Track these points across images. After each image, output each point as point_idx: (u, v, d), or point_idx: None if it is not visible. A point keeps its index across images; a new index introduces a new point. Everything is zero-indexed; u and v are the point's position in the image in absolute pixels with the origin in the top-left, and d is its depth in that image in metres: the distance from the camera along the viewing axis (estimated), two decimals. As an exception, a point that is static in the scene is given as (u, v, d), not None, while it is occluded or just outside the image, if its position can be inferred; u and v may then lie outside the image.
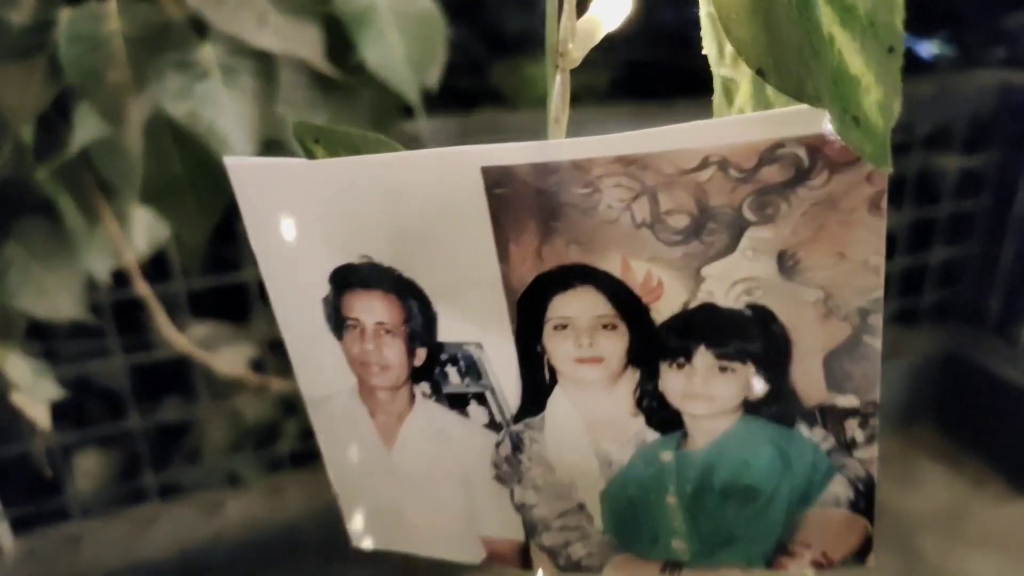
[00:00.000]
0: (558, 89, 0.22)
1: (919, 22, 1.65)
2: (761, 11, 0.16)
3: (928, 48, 1.68)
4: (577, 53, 0.22)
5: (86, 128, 0.49)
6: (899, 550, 1.06)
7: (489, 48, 1.34)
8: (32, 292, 0.62)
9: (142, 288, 0.64)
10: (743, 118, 0.20)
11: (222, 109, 0.46)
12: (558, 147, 0.21)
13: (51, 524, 0.87)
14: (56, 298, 0.63)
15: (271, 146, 0.52)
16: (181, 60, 0.46)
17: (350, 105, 0.55)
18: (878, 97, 0.15)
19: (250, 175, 0.24)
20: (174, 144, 0.52)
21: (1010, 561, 1.02)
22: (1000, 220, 1.26)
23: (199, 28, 0.48)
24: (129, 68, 0.45)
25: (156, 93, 0.46)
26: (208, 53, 0.47)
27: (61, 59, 0.45)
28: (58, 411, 0.69)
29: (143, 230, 0.69)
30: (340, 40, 0.52)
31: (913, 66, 1.62)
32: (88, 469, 0.90)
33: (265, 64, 0.48)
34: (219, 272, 0.86)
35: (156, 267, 0.78)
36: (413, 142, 0.79)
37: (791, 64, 0.16)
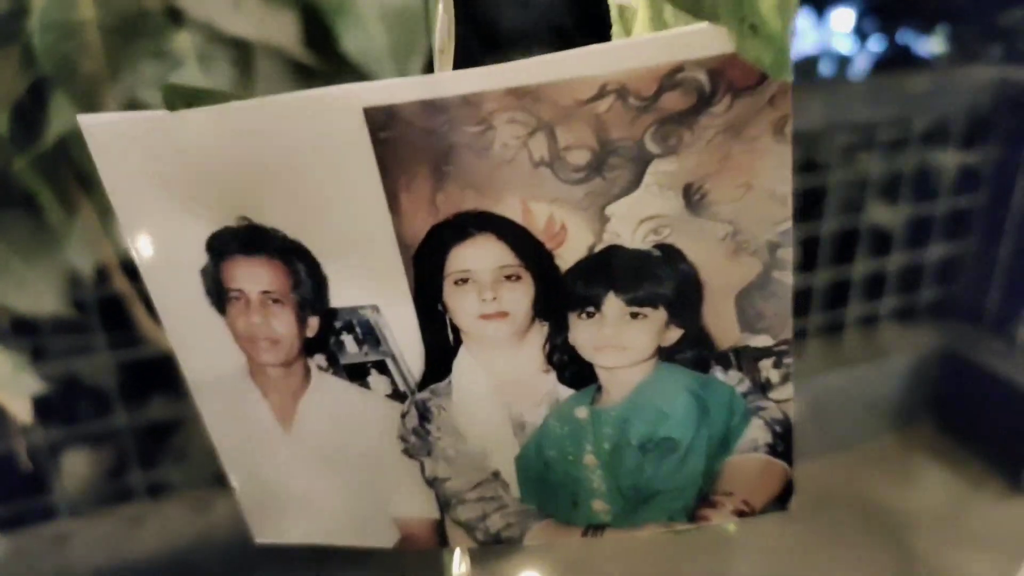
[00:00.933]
0: (442, 16, 0.21)
1: (917, 18, 1.64)
2: None
3: (926, 45, 1.67)
4: None
5: (62, 118, 0.48)
6: (896, 548, 1.05)
7: (482, 43, 1.34)
8: (12, 286, 0.62)
9: (121, 283, 0.63)
10: (640, 40, 0.19)
11: (198, 98, 0.45)
12: (445, 81, 0.19)
13: (38, 523, 0.87)
14: (37, 293, 0.62)
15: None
16: (156, 49, 0.45)
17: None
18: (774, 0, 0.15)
19: (108, 133, 0.22)
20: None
21: (1007, 559, 1.01)
22: (998, 217, 1.25)
23: (174, 16, 0.47)
24: (104, 57, 0.44)
25: (131, 82, 0.45)
26: (184, 41, 0.46)
27: (35, 48, 0.44)
28: (45, 409, 0.68)
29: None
30: (320, 28, 0.51)
31: (911, 62, 1.61)
32: (75, 468, 0.90)
33: (242, 52, 0.47)
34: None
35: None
36: None
37: None
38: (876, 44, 1.72)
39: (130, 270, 0.70)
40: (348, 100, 0.19)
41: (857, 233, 1.22)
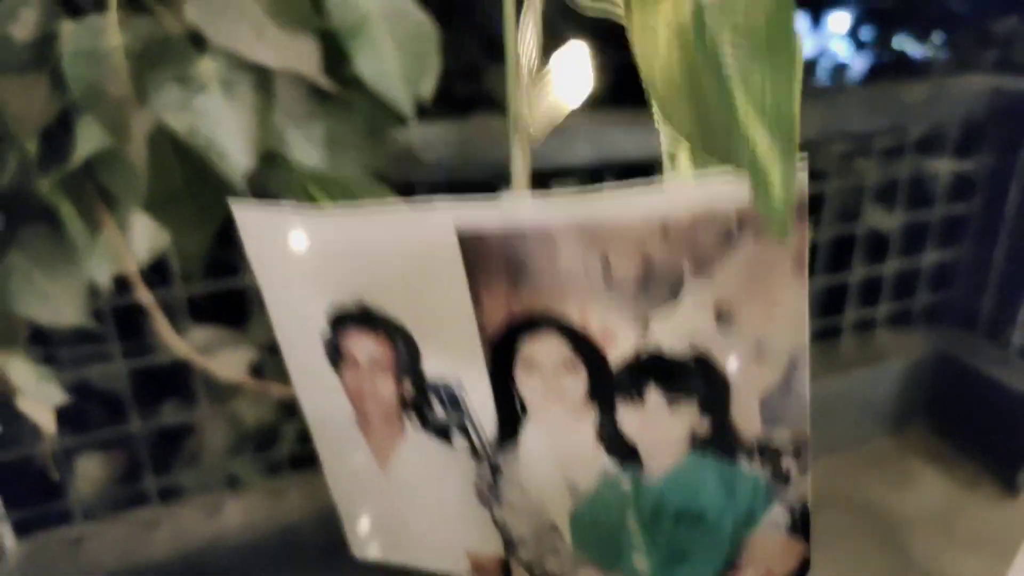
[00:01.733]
0: (519, 164, 0.25)
1: (913, 25, 1.66)
2: (692, 95, 0.19)
3: (922, 51, 1.69)
4: (539, 132, 0.24)
5: (88, 140, 0.50)
6: (891, 550, 1.07)
7: (484, 52, 1.35)
8: (35, 299, 0.63)
9: (144, 296, 0.65)
10: (680, 189, 0.22)
11: (221, 122, 0.47)
12: (521, 213, 0.23)
13: (53, 527, 0.88)
14: (59, 305, 0.64)
15: (267, 158, 0.53)
16: (181, 74, 0.47)
17: (345, 115, 0.56)
18: (780, 173, 0.19)
19: (254, 219, 0.26)
20: (174, 155, 0.53)
21: (1001, 561, 1.03)
22: (992, 223, 1.27)
23: (197, 41, 0.49)
24: (131, 82, 0.46)
25: (157, 106, 0.47)
26: (207, 66, 0.48)
27: (65, 75, 0.46)
28: (59, 415, 0.69)
29: (143, 236, 0.70)
30: (335, 51, 0.53)
31: (906, 70, 1.63)
32: (89, 472, 0.92)
33: (263, 76, 0.49)
34: (218, 277, 0.87)
35: (155, 272, 0.79)
36: (406, 152, 0.79)
37: (717, 138, 0.19)
38: (872, 51, 1.74)
39: (148, 279, 0.71)
40: (445, 218, 0.24)
41: (853, 239, 1.24)
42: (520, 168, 0.25)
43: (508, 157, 1.02)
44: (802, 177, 0.20)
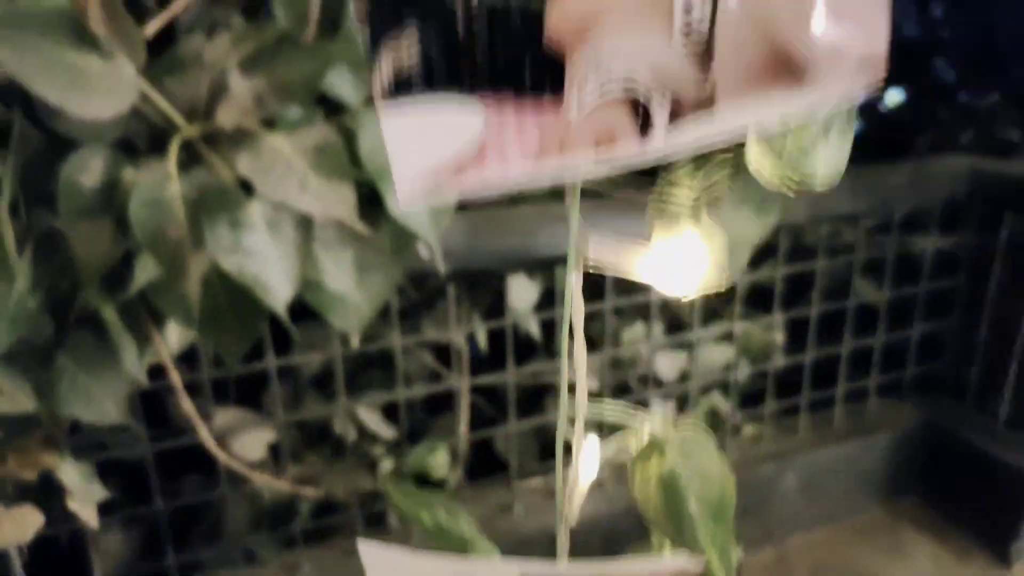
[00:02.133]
0: (563, 532, 0.34)
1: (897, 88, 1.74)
2: (672, 520, 0.31)
3: (904, 129, 1.77)
4: (577, 506, 0.34)
5: (145, 272, 0.56)
6: (885, 622, 1.10)
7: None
8: (80, 400, 0.68)
9: (187, 405, 0.70)
10: (659, 560, 0.34)
11: (267, 260, 0.53)
12: (559, 572, 0.33)
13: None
14: (102, 405, 0.69)
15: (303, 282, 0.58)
16: (232, 218, 0.53)
17: (374, 240, 0.62)
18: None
19: (377, 555, 0.36)
20: (218, 279, 0.58)
21: (991, 635, 1.07)
22: (976, 297, 1.33)
23: (246, 184, 0.55)
24: (188, 227, 0.52)
25: (210, 247, 0.53)
26: (255, 210, 0.54)
27: (131, 222, 0.51)
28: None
29: (176, 330, 0.75)
30: (362, 187, 0.59)
31: (890, 153, 1.71)
32: (112, 549, 0.95)
33: (304, 218, 0.55)
34: (243, 360, 0.92)
35: (183, 359, 0.84)
36: (428, 265, 0.83)
37: (688, 543, 0.30)
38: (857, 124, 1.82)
39: (178, 365, 0.76)
40: (513, 570, 0.33)
41: (844, 313, 1.30)
42: (563, 533, 0.35)
43: (512, 247, 1.07)
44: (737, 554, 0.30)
